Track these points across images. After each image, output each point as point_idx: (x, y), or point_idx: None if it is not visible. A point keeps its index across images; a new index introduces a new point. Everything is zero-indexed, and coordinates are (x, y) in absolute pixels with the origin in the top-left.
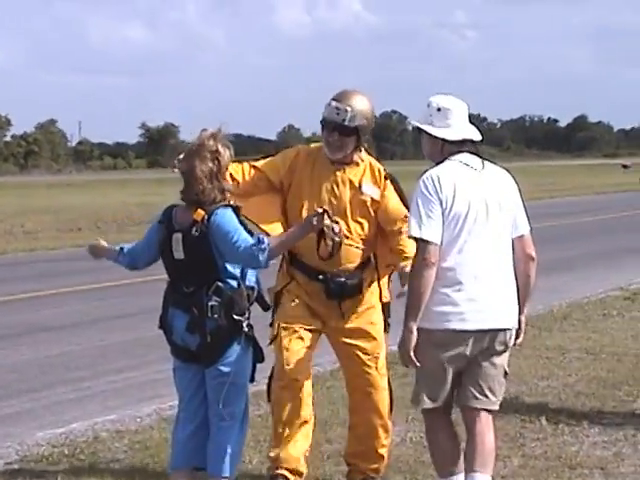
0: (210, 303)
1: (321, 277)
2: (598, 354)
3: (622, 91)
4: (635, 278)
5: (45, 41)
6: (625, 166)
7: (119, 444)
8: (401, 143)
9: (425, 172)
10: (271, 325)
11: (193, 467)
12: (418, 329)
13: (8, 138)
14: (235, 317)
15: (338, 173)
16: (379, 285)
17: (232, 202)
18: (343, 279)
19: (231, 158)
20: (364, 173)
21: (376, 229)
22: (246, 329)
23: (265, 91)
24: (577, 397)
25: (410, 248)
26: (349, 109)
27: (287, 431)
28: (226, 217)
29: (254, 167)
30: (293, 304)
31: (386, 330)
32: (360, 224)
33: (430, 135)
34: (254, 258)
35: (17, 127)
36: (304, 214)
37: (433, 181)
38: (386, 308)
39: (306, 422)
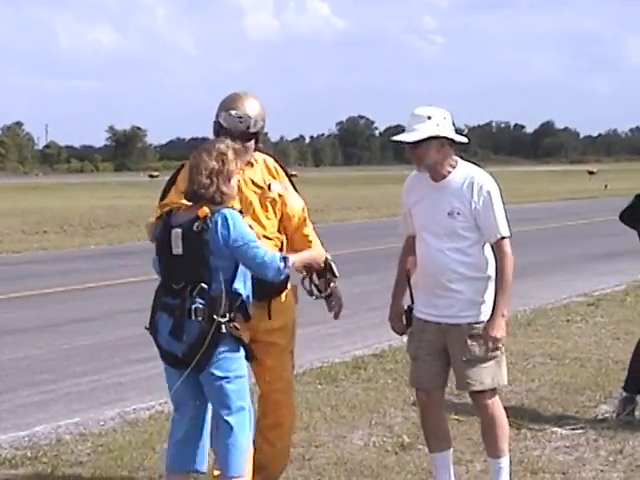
0: (194, 306)
1: None
2: (561, 360)
3: (588, 98)
4: (599, 284)
5: (12, 44)
6: (591, 172)
7: (82, 447)
8: (368, 148)
9: (478, 173)
10: None
11: (188, 471)
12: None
13: None
14: (219, 319)
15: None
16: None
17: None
18: None
19: (238, 169)
20: (262, 172)
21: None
22: (225, 330)
23: None
24: (540, 402)
25: (313, 236)
26: (251, 115)
27: None
28: (239, 221)
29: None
30: None
31: None
32: (271, 220)
33: (453, 143)
34: (276, 270)
35: None
36: None
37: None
38: (295, 293)
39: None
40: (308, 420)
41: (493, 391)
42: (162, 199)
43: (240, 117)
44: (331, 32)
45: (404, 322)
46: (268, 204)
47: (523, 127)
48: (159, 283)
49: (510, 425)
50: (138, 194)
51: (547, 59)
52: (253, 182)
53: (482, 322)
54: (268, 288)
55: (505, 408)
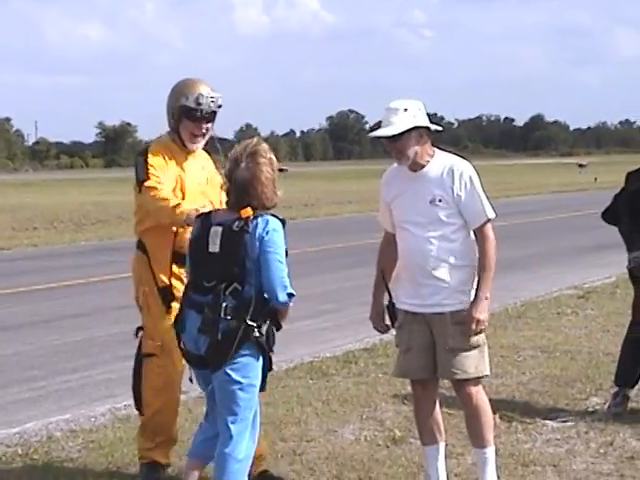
0: (224, 304)
1: None
2: (552, 352)
3: (578, 91)
4: (589, 277)
5: (1, 40)
6: (581, 165)
7: (73, 443)
8: (358, 142)
9: (457, 160)
10: (141, 328)
11: (208, 461)
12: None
13: None
14: (249, 322)
15: (191, 159)
16: None
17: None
18: None
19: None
20: (206, 156)
21: None
22: (257, 335)
23: (222, 90)
24: (531, 395)
25: None
26: (219, 95)
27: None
28: (279, 230)
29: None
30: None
31: None
32: (217, 206)
33: (430, 133)
34: (283, 295)
35: None
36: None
37: None
38: None
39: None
40: (299, 415)
41: (477, 380)
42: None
43: (212, 97)
44: (320, 27)
45: (386, 319)
46: (217, 187)
47: (513, 120)
48: (187, 282)
49: (501, 418)
50: (128, 190)
51: (536, 52)
52: (203, 167)
53: (465, 311)
54: None
55: (496, 401)
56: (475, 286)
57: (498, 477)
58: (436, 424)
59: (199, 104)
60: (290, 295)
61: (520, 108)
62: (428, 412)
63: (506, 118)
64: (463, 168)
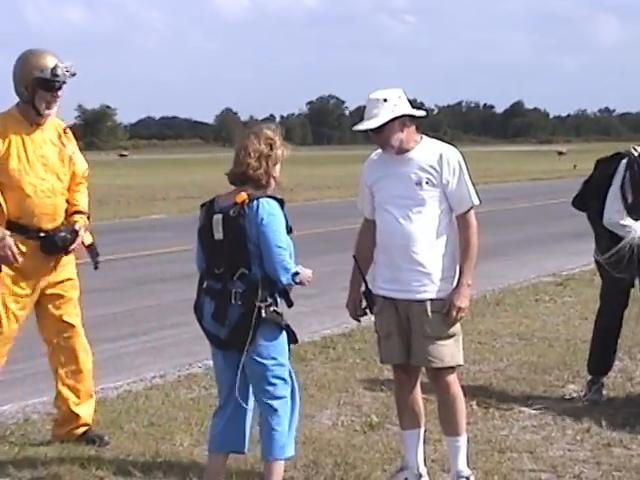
0: (234, 290)
1: (43, 234)
2: (529, 339)
3: (558, 78)
4: (567, 264)
5: None
6: (560, 152)
7: (50, 426)
8: (339, 127)
9: (444, 146)
10: None
11: (229, 451)
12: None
13: None
14: (257, 304)
15: (38, 132)
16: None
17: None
18: (63, 233)
19: (283, 158)
20: (56, 131)
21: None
22: (265, 315)
23: (203, 74)
24: (508, 382)
25: (83, 203)
26: (71, 64)
27: None
28: (276, 212)
29: None
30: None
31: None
32: (66, 176)
33: (414, 118)
34: (286, 276)
35: None
36: (22, 176)
37: None
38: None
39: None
40: None
41: (453, 369)
42: None
43: (66, 67)
44: (301, 11)
45: (363, 306)
46: (65, 161)
47: (493, 107)
48: (204, 269)
49: (478, 404)
50: (107, 173)
51: (517, 39)
52: (51, 140)
53: (445, 300)
54: (55, 245)
55: (473, 388)
56: (456, 274)
57: (474, 463)
58: (417, 408)
59: (56, 75)
60: (295, 274)
61: (500, 95)
62: (410, 396)
63: (486, 105)
64: (451, 154)
